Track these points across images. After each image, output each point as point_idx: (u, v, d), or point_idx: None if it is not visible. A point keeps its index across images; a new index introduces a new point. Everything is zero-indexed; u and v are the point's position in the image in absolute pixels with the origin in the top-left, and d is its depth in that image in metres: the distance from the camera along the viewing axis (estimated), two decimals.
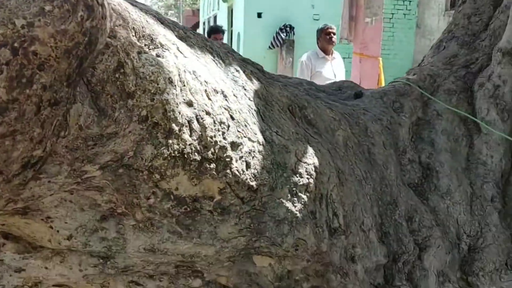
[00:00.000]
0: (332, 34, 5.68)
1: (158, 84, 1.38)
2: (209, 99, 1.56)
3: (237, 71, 1.83)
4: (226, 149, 1.62)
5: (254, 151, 1.73)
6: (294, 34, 21.09)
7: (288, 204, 1.89)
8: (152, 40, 1.49)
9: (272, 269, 2.02)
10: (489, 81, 2.99)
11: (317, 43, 6.09)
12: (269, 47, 21.70)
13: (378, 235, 2.46)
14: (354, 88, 3.08)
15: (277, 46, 21.31)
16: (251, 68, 2.01)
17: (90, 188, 1.45)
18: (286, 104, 2.07)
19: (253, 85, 1.87)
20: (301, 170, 1.93)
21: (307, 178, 1.95)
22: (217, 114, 1.58)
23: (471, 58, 3.17)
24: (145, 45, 1.46)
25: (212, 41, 1.89)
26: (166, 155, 1.46)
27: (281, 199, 1.87)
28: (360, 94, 2.96)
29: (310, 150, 2.00)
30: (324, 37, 5.78)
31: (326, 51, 5.70)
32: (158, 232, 1.66)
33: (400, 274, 2.49)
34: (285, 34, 21.07)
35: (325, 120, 2.31)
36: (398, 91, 2.97)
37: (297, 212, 1.92)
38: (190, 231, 1.70)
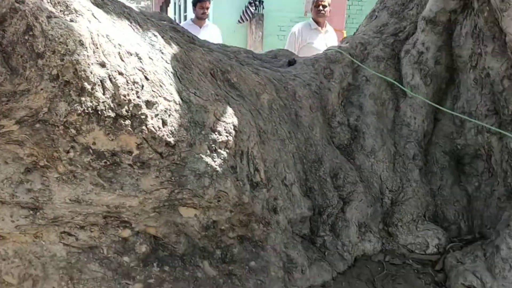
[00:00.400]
0: (321, 7, 5.67)
1: (67, 46, 1.52)
2: (122, 60, 1.71)
3: (154, 35, 1.98)
4: (140, 107, 1.77)
5: (170, 110, 1.89)
6: (263, 8, 21.02)
7: (208, 159, 2.08)
8: (67, 6, 1.63)
9: (198, 220, 2.21)
10: (414, 48, 3.20)
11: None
12: (238, 21, 21.62)
13: (303, 190, 2.68)
14: (289, 56, 3.25)
15: (247, 20, 21.23)
16: (172, 34, 2.15)
17: (10, 142, 1.60)
18: (208, 68, 2.23)
19: (171, 49, 2.02)
20: (220, 129, 2.11)
21: (226, 136, 2.13)
22: (131, 75, 1.73)
23: (400, 26, 3.36)
24: (60, 10, 1.60)
25: (131, 8, 2.03)
26: (80, 111, 1.61)
27: (200, 154, 2.04)
28: (293, 61, 3.13)
29: (230, 110, 2.17)
30: (315, 10, 5.83)
31: (318, 23, 5.77)
32: (81, 184, 1.82)
33: (325, 225, 2.71)
34: (254, 8, 20.97)
35: (249, 84, 2.48)
36: (329, 59, 3.16)
37: (217, 167, 2.11)
38: (113, 183, 1.87)
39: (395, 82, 3.08)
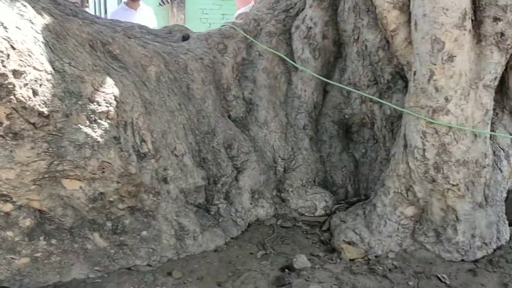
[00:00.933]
0: None
1: None
2: None
3: (24, 6, 1.95)
4: (7, 76, 1.76)
5: (41, 80, 1.88)
6: None
7: (87, 130, 2.09)
8: None
9: (84, 192, 2.22)
10: (303, 23, 3.35)
11: None
12: (159, 4, 21.25)
13: (196, 161, 2.75)
14: (183, 31, 3.29)
15: (168, 3, 20.94)
16: (45, 5, 2.13)
17: None
18: (86, 39, 2.23)
19: (43, 20, 2.01)
20: (99, 99, 2.12)
21: (107, 106, 2.15)
22: None
23: (291, 3, 3.50)
24: None
25: None
26: None
27: (78, 125, 2.05)
28: (187, 36, 3.18)
29: (110, 81, 2.19)
30: None
31: (129, 4, 6.00)
32: None
33: (219, 194, 2.82)
34: None
35: (135, 56, 2.50)
36: (223, 34, 3.23)
37: (98, 137, 2.13)
38: None
39: (285, 57, 3.22)
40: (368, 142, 3.31)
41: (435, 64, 2.35)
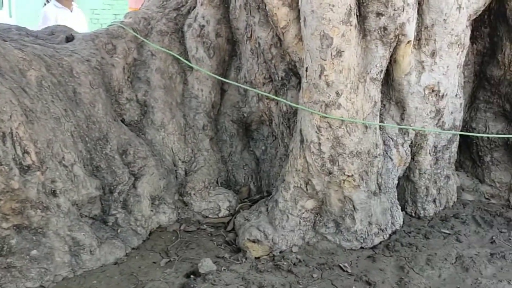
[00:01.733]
0: None
1: None
2: None
3: None
4: None
5: None
6: None
7: None
8: None
9: None
10: (195, 21, 3.28)
11: None
12: (45, 3, 20.06)
13: (88, 170, 2.58)
14: (67, 32, 3.07)
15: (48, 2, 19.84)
16: None
17: None
18: None
19: None
20: None
21: None
22: None
23: (182, 1, 3.42)
24: None
25: None
26: None
27: None
28: (71, 37, 2.98)
29: None
30: None
31: (62, 2, 5.56)
32: None
33: (116, 203, 2.66)
34: None
35: (11, 60, 2.28)
36: (111, 34, 3.07)
37: None
38: None
39: (179, 57, 3.13)
40: (268, 139, 3.34)
41: (325, 60, 2.41)
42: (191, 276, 2.33)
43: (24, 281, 2.17)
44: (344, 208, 2.60)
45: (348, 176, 2.54)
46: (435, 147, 2.85)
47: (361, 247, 2.62)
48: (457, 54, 2.61)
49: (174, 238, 2.72)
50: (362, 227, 2.60)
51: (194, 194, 2.95)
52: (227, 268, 2.39)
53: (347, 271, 2.41)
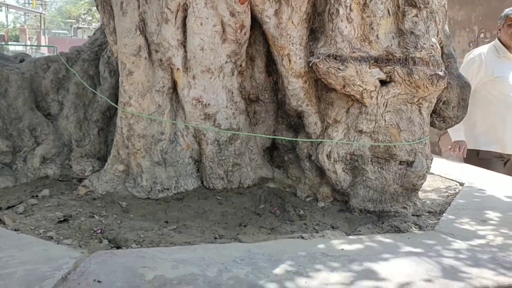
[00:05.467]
0: None
1: None
2: None
3: None
4: None
5: None
6: None
7: None
8: None
9: None
10: (106, 53, 5.05)
11: (497, 34, 4.60)
12: None
13: (4, 135, 4.42)
14: (23, 56, 5.03)
15: None
16: None
17: None
18: None
19: None
20: None
21: None
22: None
23: (104, 41, 5.22)
24: None
25: None
26: None
27: None
28: (23, 60, 4.92)
29: None
30: (508, 29, 4.30)
31: (509, 48, 4.41)
32: None
33: (20, 158, 4.45)
34: None
35: None
36: (49, 59, 4.97)
37: None
38: None
39: (79, 78, 4.90)
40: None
41: (122, 76, 4.01)
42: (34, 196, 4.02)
43: None
44: (137, 171, 4.10)
45: (137, 150, 4.06)
46: (217, 140, 4.21)
47: (148, 198, 4.07)
48: (209, 78, 4.01)
49: (49, 182, 4.43)
50: (147, 184, 4.07)
51: (73, 160, 4.65)
52: (57, 196, 4.03)
53: (120, 205, 3.90)
